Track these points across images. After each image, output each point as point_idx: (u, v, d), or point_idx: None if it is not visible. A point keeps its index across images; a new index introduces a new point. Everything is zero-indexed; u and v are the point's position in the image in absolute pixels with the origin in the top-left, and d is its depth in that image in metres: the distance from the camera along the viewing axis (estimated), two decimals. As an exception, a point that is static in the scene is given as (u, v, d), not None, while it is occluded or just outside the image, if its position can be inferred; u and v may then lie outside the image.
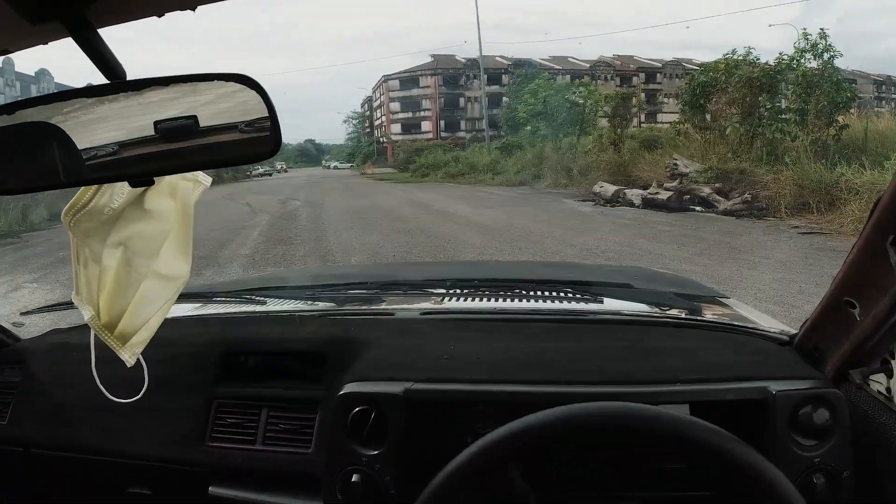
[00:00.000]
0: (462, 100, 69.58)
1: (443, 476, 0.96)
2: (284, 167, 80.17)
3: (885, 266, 0.90)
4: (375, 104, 79.35)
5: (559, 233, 11.69)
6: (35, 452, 1.47)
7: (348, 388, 1.24)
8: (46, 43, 0.70)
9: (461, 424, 1.20)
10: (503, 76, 69.76)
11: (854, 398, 1.16)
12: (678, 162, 16.88)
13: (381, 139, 73.87)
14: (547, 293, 1.79)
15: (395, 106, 71.02)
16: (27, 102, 0.74)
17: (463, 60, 68.77)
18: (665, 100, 44.53)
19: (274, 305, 1.75)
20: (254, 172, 58.86)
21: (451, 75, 70.03)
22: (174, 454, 1.40)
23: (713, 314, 1.71)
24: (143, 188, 1.06)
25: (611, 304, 1.71)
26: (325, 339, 1.46)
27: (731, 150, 17.37)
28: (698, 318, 1.64)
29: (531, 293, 1.79)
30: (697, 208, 14.83)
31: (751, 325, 1.53)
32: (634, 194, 16.31)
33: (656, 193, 15.69)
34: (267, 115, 0.74)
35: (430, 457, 1.08)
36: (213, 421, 1.39)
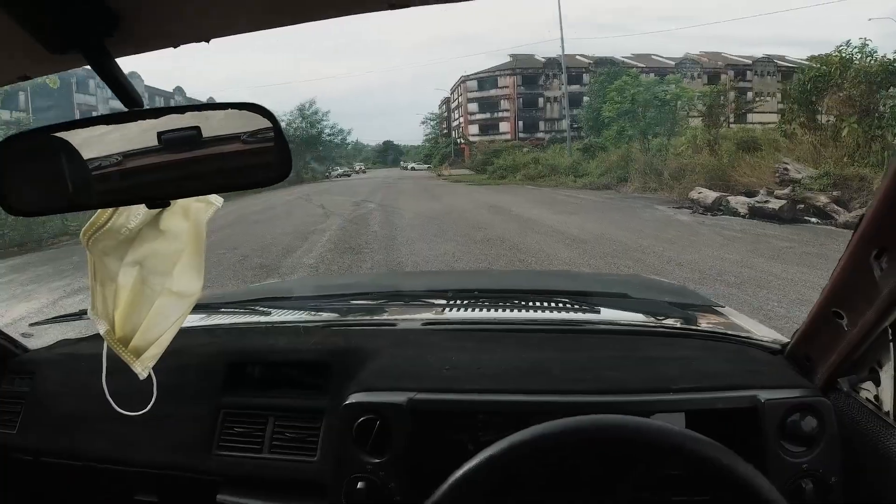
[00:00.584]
0: (541, 100, 68.30)
1: (448, 485, 0.98)
2: (363, 168, 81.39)
3: (870, 279, 0.92)
4: (453, 105, 78.93)
5: (659, 247, 10.20)
6: (44, 461, 1.48)
7: (354, 398, 1.25)
8: (66, 70, 0.75)
9: (463, 432, 1.22)
10: (584, 75, 68.27)
11: (843, 406, 1.17)
12: (788, 166, 14.91)
13: (458, 140, 73.48)
14: (545, 303, 1.78)
15: (473, 107, 70.35)
16: (48, 129, 0.76)
17: (542, 60, 67.62)
18: (758, 98, 41.77)
19: (279, 316, 1.74)
20: (333, 173, 59.92)
21: (531, 75, 68.78)
22: (182, 462, 1.41)
23: (708, 323, 1.71)
24: (158, 210, 1.07)
25: (607, 313, 1.71)
26: (329, 349, 1.47)
27: (847, 154, 15.47)
28: (693, 327, 1.64)
29: (530, 303, 1.79)
30: (813, 220, 13.10)
31: (744, 335, 1.53)
32: (739, 202, 14.64)
33: (766, 202, 13.87)
34: (277, 141, 0.77)
35: (434, 464, 1.12)
36: (220, 430, 1.39)
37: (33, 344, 1.71)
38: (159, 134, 0.74)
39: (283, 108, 55.65)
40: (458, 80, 74.31)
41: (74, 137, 0.76)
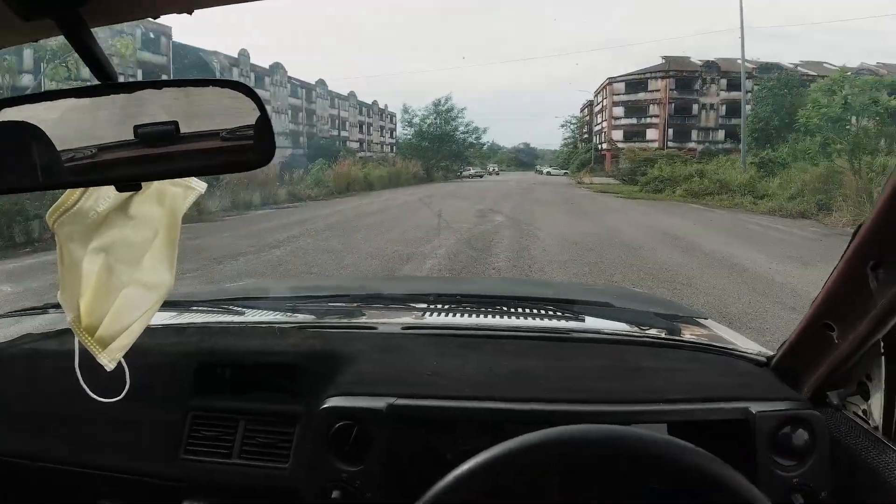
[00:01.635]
0: (695, 106, 62.11)
1: (427, 499, 0.94)
2: (496, 169, 78.35)
3: (865, 290, 0.91)
4: (596, 109, 74.05)
5: None
6: (5, 461, 1.41)
7: (331, 402, 1.21)
8: (38, 40, 0.71)
9: (442, 441, 1.18)
10: (747, 81, 61.17)
11: (832, 420, 1.16)
12: None
13: (599, 146, 68.33)
14: (528, 310, 1.76)
15: (619, 111, 65.24)
16: (12, 101, 0.72)
17: (699, 63, 61.39)
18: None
19: (253, 316, 1.67)
20: (465, 173, 56.65)
21: (685, 78, 62.28)
22: (148, 467, 1.35)
23: (692, 334, 1.68)
24: (129, 193, 1.01)
25: (591, 322, 1.69)
26: (305, 351, 1.42)
27: None
28: (678, 337, 1.61)
29: (513, 310, 1.76)
30: None
31: (730, 346, 1.51)
32: None
33: None
34: (262, 122, 0.72)
35: (412, 474, 1.12)
36: (188, 433, 1.33)
37: None
38: (132, 111, 0.68)
39: (422, 102, 53.63)
40: (604, 82, 69.05)
41: (43, 111, 0.70)
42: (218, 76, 40.99)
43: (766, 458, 1.12)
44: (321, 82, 58.82)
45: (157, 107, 0.70)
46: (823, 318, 1.07)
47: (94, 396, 1.12)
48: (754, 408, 1.15)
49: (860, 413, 1.13)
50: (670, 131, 62.25)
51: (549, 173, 70.36)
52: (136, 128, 0.70)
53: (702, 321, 1.87)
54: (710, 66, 60.79)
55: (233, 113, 0.71)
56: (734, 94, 61.42)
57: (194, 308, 1.72)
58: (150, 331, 1.13)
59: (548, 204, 22.01)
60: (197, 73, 38.75)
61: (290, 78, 52.66)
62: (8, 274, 9.49)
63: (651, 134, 62.47)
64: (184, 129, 0.71)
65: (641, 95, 63.65)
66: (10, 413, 1.42)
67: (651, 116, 62.76)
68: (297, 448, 1.26)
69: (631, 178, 34.44)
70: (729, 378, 1.29)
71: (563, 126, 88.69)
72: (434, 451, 1.17)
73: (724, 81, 62.13)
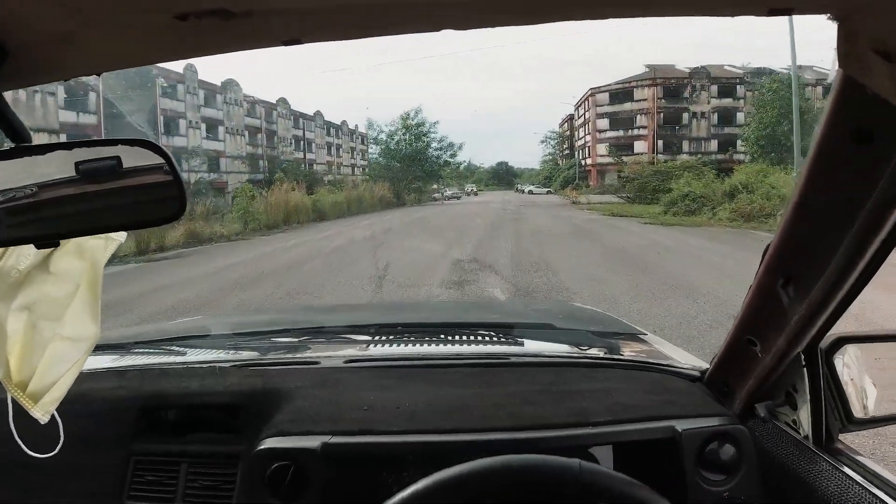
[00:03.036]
0: (685, 115, 56.40)
1: None
2: (475, 189, 72.02)
3: (779, 307, 0.93)
4: (577, 122, 68.42)
5: None
6: None
7: (266, 443, 1.20)
8: None
9: (384, 474, 1.18)
10: (737, 87, 56.09)
11: (762, 431, 1.17)
12: None
13: (582, 161, 62.32)
14: (470, 337, 1.73)
15: (603, 123, 59.34)
16: None
17: (685, 70, 56.08)
18: None
19: (195, 356, 1.61)
20: (439, 195, 49.86)
21: (673, 86, 56.72)
22: None
23: (630, 351, 1.67)
24: (49, 249, 1.02)
25: (531, 345, 1.68)
26: (245, 391, 1.37)
27: None
28: (615, 356, 1.60)
29: (454, 337, 1.74)
30: None
31: (665, 363, 1.50)
32: None
33: None
34: (172, 178, 0.73)
35: None
36: (130, 478, 1.30)
37: None
38: (46, 170, 0.70)
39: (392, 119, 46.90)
40: (586, 94, 63.31)
41: None
42: (159, 93, 34.60)
43: (694, 474, 1.13)
44: (283, 101, 52.69)
45: (70, 166, 0.69)
46: (745, 334, 1.08)
47: (30, 452, 1.11)
48: (681, 425, 1.15)
49: (790, 423, 1.12)
50: (660, 143, 57.03)
51: (531, 192, 64.24)
52: (50, 187, 0.69)
53: (642, 337, 1.83)
54: (698, 72, 55.67)
55: (143, 170, 0.71)
56: (725, 102, 56.46)
57: (135, 350, 1.64)
58: (90, 376, 1.14)
59: (554, 238, 15.30)
60: (140, 92, 33.51)
61: (246, 96, 46.17)
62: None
63: (639, 146, 57.07)
64: (97, 187, 0.71)
65: (627, 106, 58.18)
66: None
67: (638, 128, 57.36)
68: (239, 489, 1.22)
69: (640, 195, 27.97)
70: (659, 396, 1.28)
71: (542, 142, 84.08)
72: (372, 485, 1.15)
73: (714, 88, 56.99)
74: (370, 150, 46.70)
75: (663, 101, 56.97)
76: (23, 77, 0.63)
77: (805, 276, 0.87)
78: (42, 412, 1.06)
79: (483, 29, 0.58)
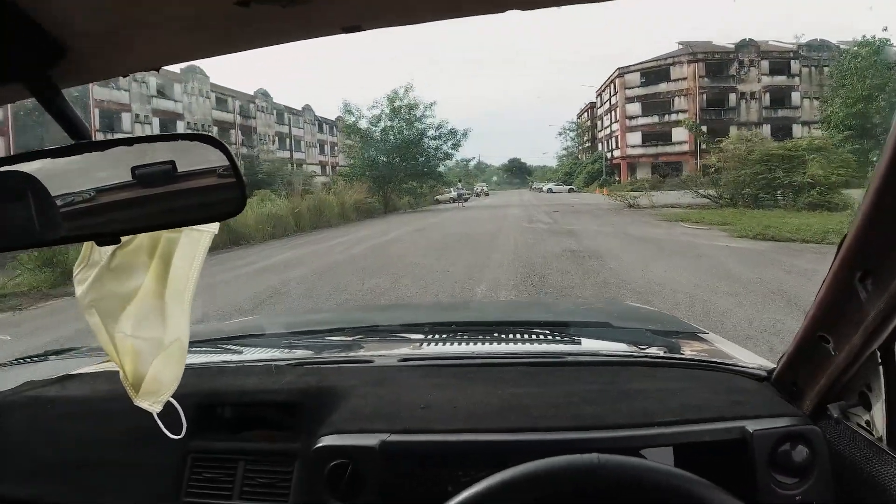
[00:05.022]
0: (733, 96, 45.86)
1: None
2: (485, 190, 62.07)
3: (856, 301, 0.88)
4: (601, 110, 57.99)
5: None
6: None
7: (324, 441, 1.18)
8: (10, 102, 0.72)
9: (442, 472, 1.14)
10: (791, 63, 45.55)
11: (834, 433, 1.11)
12: None
13: (609, 154, 52.10)
14: (524, 335, 1.68)
15: (634, 108, 48.79)
16: None
17: (730, 46, 45.92)
18: None
19: (250, 354, 1.61)
20: (446, 195, 39.52)
21: (717, 62, 46.42)
22: None
23: (691, 351, 1.59)
24: (115, 246, 1.02)
25: (588, 344, 1.62)
26: (301, 389, 1.35)
27: None
28: (676, 356, 1.51)
29: (509, 336, 1.69)
30: None
31: (729, 362, 1.42)
32: None
33: None
34: (231, 173, 0.72)
35: None
36: (188, 476, 1.29)
37: None
38: (106, 167, 0.69)
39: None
40: (612, 75, 52.91)
41: (20, 171, 0.70)
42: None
43: (766, 477, 1.07)
44: (262, 93, 43.41)
45: (130, 163, 0.69)
46: (818, 331, 1.03)
47: (168, 433, 1.15)
48: (751, 426, 1.09)
49: (863, 424, 1.06)
50: (703, 129, 46.58)
51: (550, 190, 53.75)
52: (111, 183, 0.69)
53: (702, 336, 1.75)
54: (745, 45, 45.58)
55: (204, 165, 0.71)
56: (779, 80, 46.14)
57: (192, 349, 1.48)
58: None
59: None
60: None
61: (214, 86, 37.23)
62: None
63: (678, 134, 46.69)
64: (156, 183, 0.70)
65: (663, 87, 47.92)
66: (13, 460, 1.37)
67: (677, 112, 46.97)
68: (295, 487, 1.21)
69: (744, 194, 17.66)
70: (726, 396, 1.22)
71: (560, 134, 74.65)
72: (430, 484, 1.13)
73: (764, 64, 46.63)
74: (349, 141, 35.83)
75: (706, 79, 46.76)
76: (81, 75, 0.64)
77: (885, 269, 0.83)
78: (147, 403, 1.08)
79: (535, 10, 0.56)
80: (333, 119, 47.54)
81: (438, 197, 39.56)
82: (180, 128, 35.57)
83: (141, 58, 0.65)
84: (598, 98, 59.57)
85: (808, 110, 45.88)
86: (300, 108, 51.28)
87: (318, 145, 51.64)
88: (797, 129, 45.97)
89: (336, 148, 48.21)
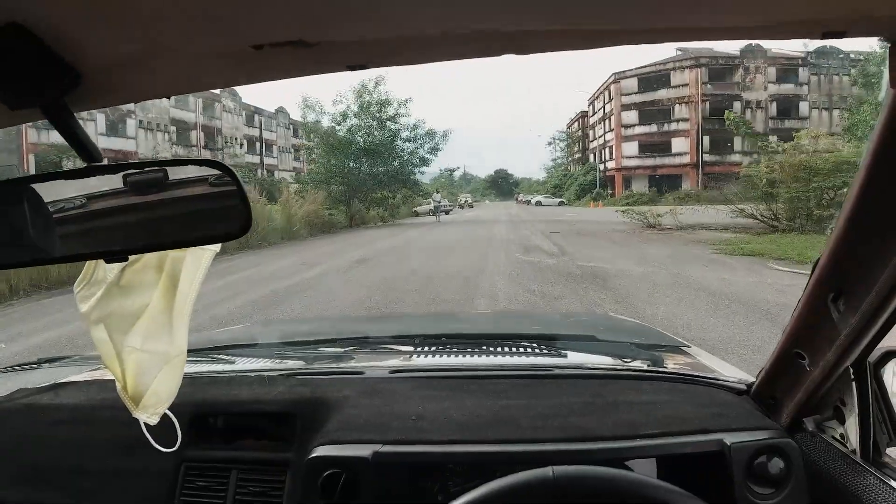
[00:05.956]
0: (738, 105, 41.85)
1: None
2: (469, 201, 57.35)
3: (828, 321, 0.92)
4: (593, 118, 53.76)
5: None
6: None
7: (318, 451, 1.19)
8: (25, 123, 0.73)
9: (433, 482, 1.19)
10: (799, 71, 41.77)
11: (809, 446, 1.15)
12: None
13: (602, 165, 47.85)
14: (513, 348, 1.69)
15: (630, 117, 44.63)
16: (8, 183, 0.76)
17: (734, 52, 42.32)
18: None
19: (243, 364, 1.61)
20: (421, 209, 34.49)
21: (721, 67, 42.51)
22: None
23: (675, 364, 1.62)
24: (123, 264, 1.05)
25: (574, 357, 1.65)
26: (294, 399, 1.37)
27: None
28: (659, 369, 1.54)
29: (497, 348, 1.70)
30: None
31: (710, 376, 1.44)
32: None
33: None
34: (238, 196, 0.75)
35: None
36: (181, 484, 1.30)
37: None
38: (125, 184, 0.72)
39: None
40: (607, 80, 48.81)
41: (35, 191, 0.73)
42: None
43: (743, 488, 1.11)
44: (231, 93, 39.04)
45: (140, 185, 0.72)
46: (794, 348, 1.07)
47: (157, 446, 1.16)
48: (729, 438, 1.13)
49: (837, 437, 1.10)
50: (705, 140, 42.53)
51: (539, 203, 49.25)
52: (122, 206, 0.72)
53: (686, 350, 1.75)
54: (751, 50, 41.70)
55: (210, 187, 0.74)
56: (786, 88, 42.22)
57: (187, 359, 1.55)
58: None
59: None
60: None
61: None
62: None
63: (679, 145, 42.61)
64: (164, 206, 0.73)
65: (662, 93, 43.85)
66: (5, 465, 1.38)
67: (677, 121, 42.90)
68: (288, 496, 1.22)
69: (810, 215, 13.03)
70: (706, 409, 1.25)
71: (550, 144, 70.42)
72: (421, 494, 1.17)
73: (771, 71, 42.70)
74: (308, 143, 30.23)
75: (709, 86, 42.70)
76: (96, 99, 0.66)
77: (856, 289, 0.86)
78: (145, 415, 1.11)
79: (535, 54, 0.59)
80: (296, 118, 42.75)
81: (417, 209, 34.60)
82: (130, 126, 31.89)
83: (154, 86, 0.68)
84: (591, 107, 55.55)
85: (817, 121, 41.91)
86: (273, 111, 46.55)
87: (292, 151, 47.04)
88: (804, 142, 42.25)
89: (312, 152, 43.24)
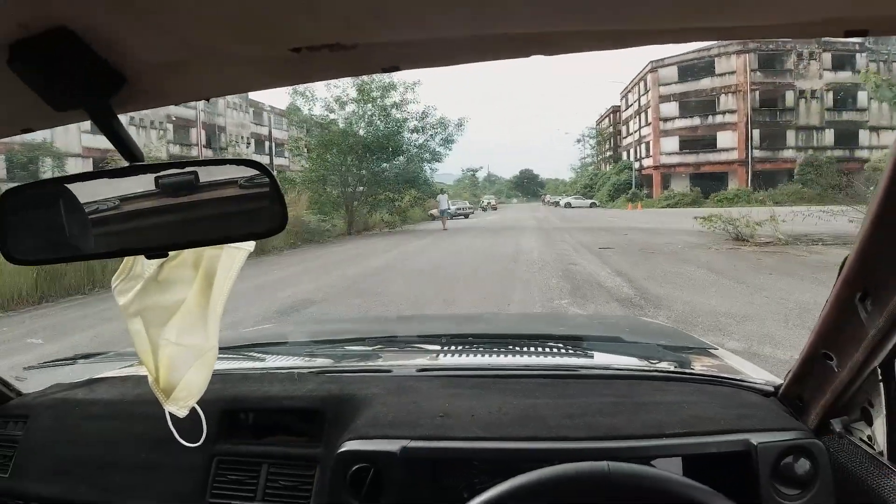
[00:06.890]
0: (790, 95, 36.80)
1: None
2: (493, 203, 53.14)
3: (856, 321, 0.91)
4: (626, 113, 49.06)
5: None
6: None
7: (347, 445, 1.21)
8: (68, 124, 0.76)
9: (459, 479, 1.19)
10: (856, 56, 36.48)
11: (836, 447, 1.14)
12: None
13: (637, 163, 43.11)
14: (539, 348, 1.70)
15: (669, 109, 39.83)
16: (51, 182, 0.80)
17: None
18: None
19: (273, 362, 1.64)
20: (437, 210, 29.72)
21: (772, 54, 37.55)
22: None
23: (701, 366, 1.61)
24: (162, 259, 1.08)
25: (601, 358, 1.64)
26: (323, 396, 1.38)
27: None
28: (686, 370, 1.54)
29: (524, 348, 1.71)
30: None
31: (737, 377, 1.44)
32: None
33: None
34: (273, 194, 0.78)
35: None
36: (213, 478, 1.31)
37: (27, 388, 1.57)
38: (157, 185, 0.73)
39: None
40: (643, 70, 43.79)
41: (76, 189, 0.75)
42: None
43: (769, 488, 1.10)
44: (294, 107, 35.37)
45: (179, 184, 0.74)
46: (821, 348, 1.06)
47: (182, 441, 1.19)
48: (755, 439, 1.12)
49: (865, 438, 1.08)
50: (755, 134, 37.54)
51: (568, 205, 44.80)
52: (161, 203, 0.74)
53: (712, 352, 1.75)
54: (805, 35, 36.17)
55: (247, 186, 0.76)
56: (843, 77, 37.01)
57: (217, 356, 1.52)
58: None
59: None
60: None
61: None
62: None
63: (724, 139, 37.76)
64: (203, 203, 0.75)
65: (706, 82, 39.01)
66: (41, 460, 1.40)
67: (723, 113, 38.02)
68: (317, 490, 1.24)
69: None
70: (732, 410, 1.24)
71: (578, 141, 65.75)
72: (447, 489, 1.18)
73: (826, 57, 37.54)
74: (300, 136, 25.76)
75: (758, 73, 37.69)
76: (138, 101, 0.68)
77: (884, 289, 0.86)
78: (176, 407, 1.12)
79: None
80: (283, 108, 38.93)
81: (433, 212, 30.20)
82: (123, 123, 28.54)
83: (195, 88, 0.69)
84: (624, 100, 50.79)
85: (877, 113, 36.57)
86: (283, 108, 42.89)
87: (306, 151, 43.40)
88: (864, 136, 37.01)
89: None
